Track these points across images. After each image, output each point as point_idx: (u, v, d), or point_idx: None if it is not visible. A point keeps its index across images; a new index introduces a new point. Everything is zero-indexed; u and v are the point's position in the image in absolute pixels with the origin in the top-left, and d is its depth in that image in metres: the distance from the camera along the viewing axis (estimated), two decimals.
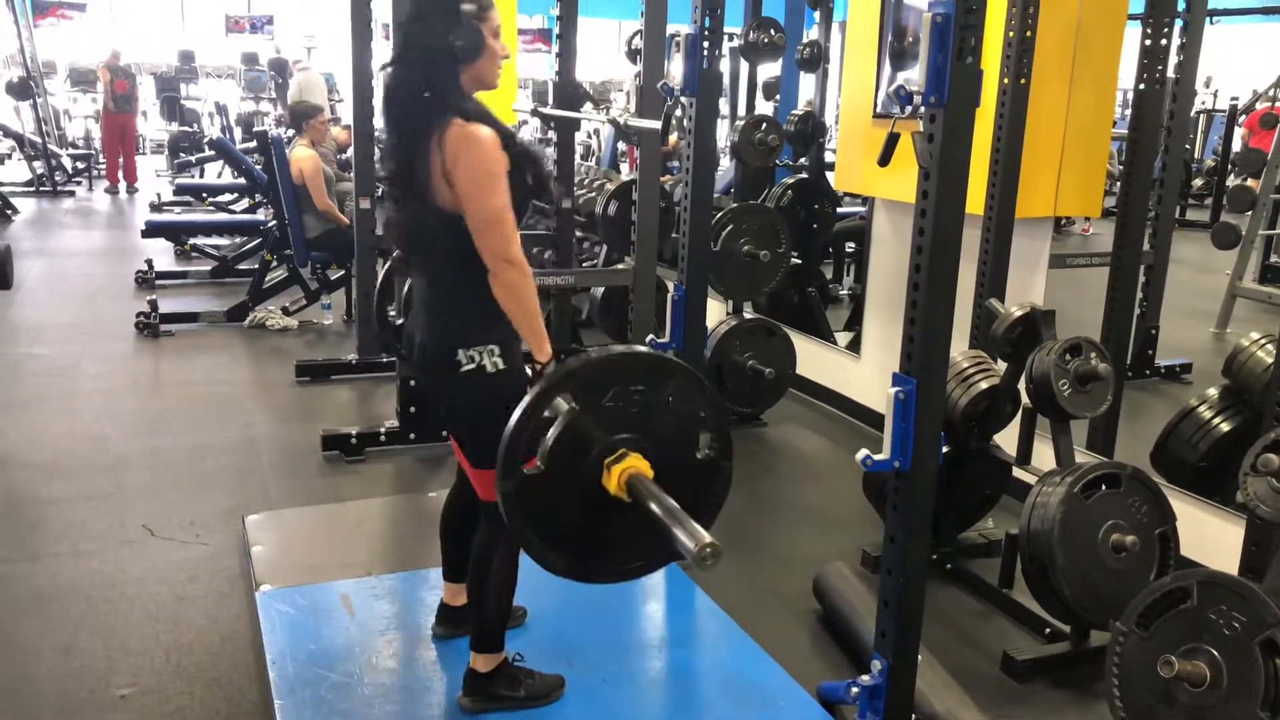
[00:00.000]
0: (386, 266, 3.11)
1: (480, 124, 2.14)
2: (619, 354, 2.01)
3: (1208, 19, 5.01)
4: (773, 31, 5.17)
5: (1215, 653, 2.05)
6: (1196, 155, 11.26)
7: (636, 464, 1.92)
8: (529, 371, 2.26)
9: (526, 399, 1.95)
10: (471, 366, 2.20)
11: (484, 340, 2.21)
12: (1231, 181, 8.37)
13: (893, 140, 2.20)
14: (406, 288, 2.73)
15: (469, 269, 2.18)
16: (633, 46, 5.54)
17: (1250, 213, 6.25)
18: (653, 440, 1.98)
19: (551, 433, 1.94)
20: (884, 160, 2.22)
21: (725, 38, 3.37)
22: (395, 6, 2.12)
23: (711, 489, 2.10)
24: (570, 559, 2.04)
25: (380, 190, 2.30)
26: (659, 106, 4.00)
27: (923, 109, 2.06)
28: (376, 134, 6.36)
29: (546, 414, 1.97)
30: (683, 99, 3.15)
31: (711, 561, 1.72)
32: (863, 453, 2.19)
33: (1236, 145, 10.42)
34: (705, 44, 3.02)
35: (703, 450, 2.10)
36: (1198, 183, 10.83)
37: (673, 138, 6.12)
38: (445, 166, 2.11)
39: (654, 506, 1.84)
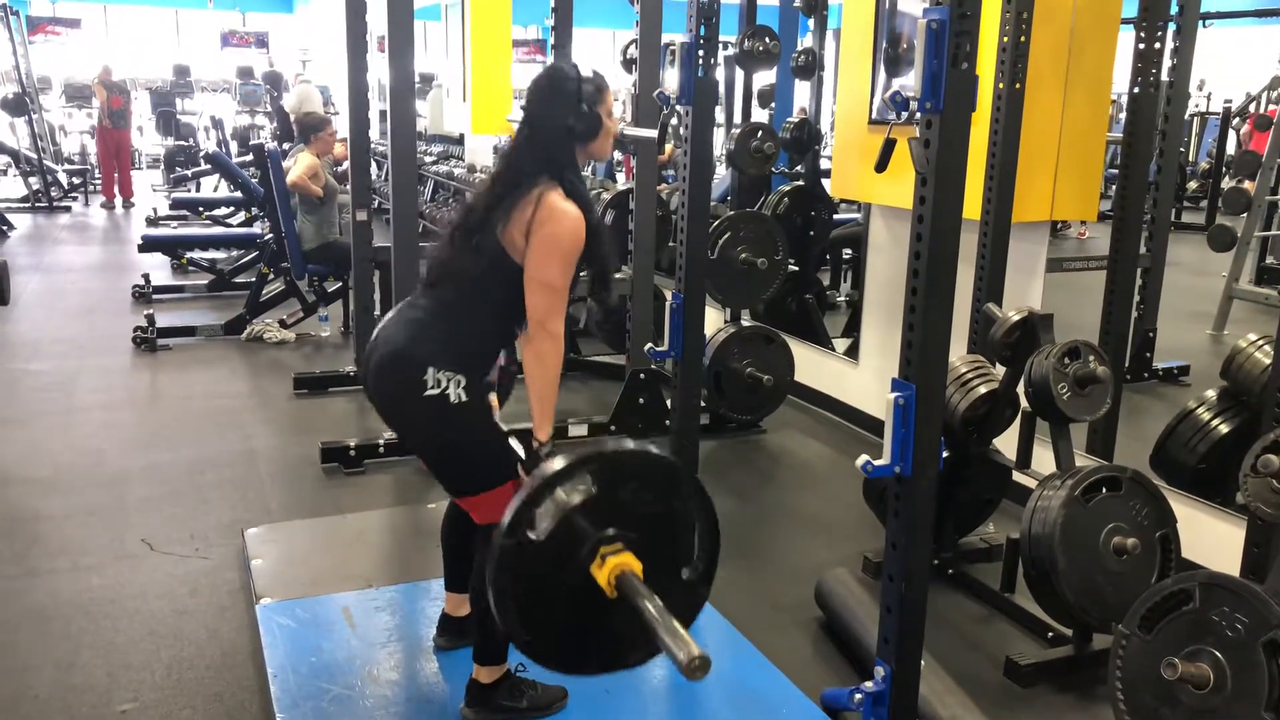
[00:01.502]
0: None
1: (576, 204, 2.25)
2: (644, 454, 2.00)
3: (1200, 22, 5.03)
4: (768, 40, 5.18)
5: (1218, 655, 2.05)
6: (1191, 158, 11.29)
7: (629, 561, 1.89)
8: (521, 450, 2.30)
9: (550, 469, 1.90)
10: (435, 391, 2.20)
11: (456, 368, 2.22)
12: (1227, 184, 8.39)
13: (889, 146, 2.20)
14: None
15: (490, 307, 2.28)
16: (628, 56, 5.55)
17: (1246, 214, 6.27)
18: (648, 546, 1.95)
19: (560, 507, 1.90)
20: (881, 166, 2.23)
21: (720, 46, 3.38)
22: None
23: (685, 611, 2.02)
24: (535, 638, 1.96)
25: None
26: (655, 116, 4.01)
27: (919, 115, 2.07)
28: (373, 146, 6.39)
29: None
30: (678, 108, 3.15)
31: (700, 674, 1.70)
32: (863, 459, 2.19)
33: (1231, 148, 10.45)
34: (700, 53, 3.03)
35: (687, 571, 2.04)
36: (1192, 185, 10.86)
37: (669, 147, 6.13)
38: (531, 222, 2.21)
39: (645, 606, 1.82)
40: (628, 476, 1.94)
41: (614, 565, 1.87)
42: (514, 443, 2.35)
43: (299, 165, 5.99)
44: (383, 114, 9.22)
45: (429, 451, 2.38)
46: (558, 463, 1.89)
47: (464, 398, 2.22)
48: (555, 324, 2.24)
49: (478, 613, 2.40)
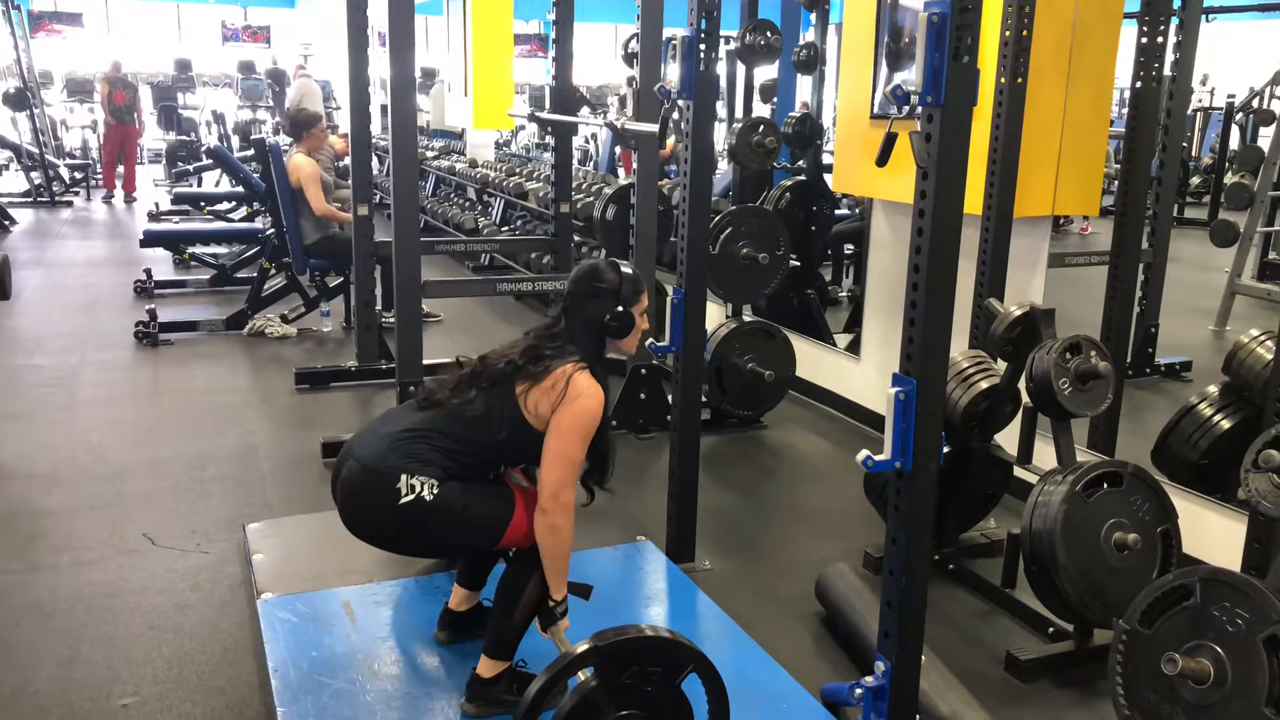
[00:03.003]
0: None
1: (599, 389, 2.38)
2: (649, 638, 2.06)
3: (1203, 17, 5.01)
4: (769, 34, 5.17)
5: (1219, 650, 2.04)
6: (1194, 153, 11.26)
7: None
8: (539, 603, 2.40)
9: (552, 669, 1.98)
10: (410, 497, 2.29)
11: (428, 474, 2.31)
12: (1229, 179, 8.37)
13: (890, 140, 2.20)
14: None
15: (479, 449, 2.38)
16: (629, 50, 5.54)
17: (1249, 210, 6.25)
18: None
19: (565, 702, 1.98)
20: (882, 160, 2.22)
21: (722, 41, 3.37)
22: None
23: None
24: None
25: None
26: (656, 110, 4.00)
27: (920, 109, 2.06)
28: (374, 141, 6.39)
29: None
30: (680, 102, 3.14)
31: None
32: (864, 454, 2.19)
33: (1234, 143, 10.43)
34: (702, 47, 3.02)
35: None
36: (1195, 180, 10.83)
37: (670, 141, 6.12)
38: (560, 396, 2.33)
39: None
40: (631, 660, 2.01)
41: None
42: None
43: (304, 172, 5.96)
44: (384, 109, 9.23)
45: (431, 551, 2.55)
46: (553, 668, 1.97)
47: (435, 493, 2.31)
48: (568, 495, 2.34)
49: (501, 607, 2.43)
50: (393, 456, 2.32)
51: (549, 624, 2.40)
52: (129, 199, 12.04)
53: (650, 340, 3.27)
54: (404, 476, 2.28)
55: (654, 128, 3.57)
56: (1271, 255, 7.24)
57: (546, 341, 2.44)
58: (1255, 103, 9.81)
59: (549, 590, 2.38)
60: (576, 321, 2.46)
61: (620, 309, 2.45)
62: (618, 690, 2.00)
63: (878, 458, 2.17)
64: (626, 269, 2.49)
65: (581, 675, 2.02)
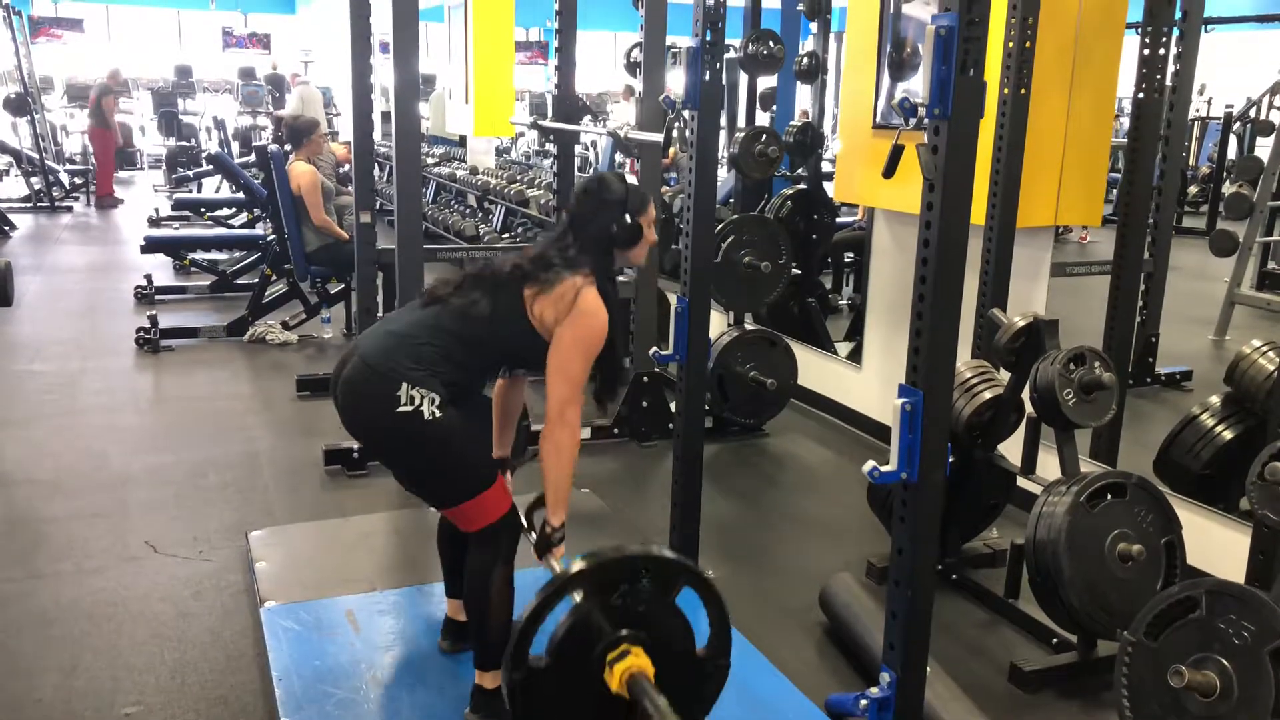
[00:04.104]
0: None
1: (604, 310, 2.34)
2: (631, 555, 2.06)
3: (1202, 27, 5.03)
4: (772, 43, 5.18)
5: (1225, 662, 2.05)
6: (1191, 162, 11.28)
7: (638, 661, 1.95)
8: (533, 530, 2.39)
9: (541, 594, 1.95)
10: (409, 408, 2.23)
11: (430, 386, 2.25)
12: (1227, 189, 8.39)
13: (897, 152, 2.20)
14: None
15: (481, 351, 2.36)
16: (631, 59, 5.55)
17: (1248, 220, 6.27)
18: (655, 637, 2.01)
19: (558, 627, 1.97)
20: (889, 172, 2.23)
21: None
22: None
23: (706, 687, 2.13)
24: None
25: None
26: (659, 119, 4.01)
27: (927, 121, 2.07)
28: (377, 148, 6.39)
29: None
30: (684, 112, 3.15)
31: None
32: (870, 464, 2.19)
33: (1232, 152, 10.45)
34: (707, 57, 3.02)
35: (702, 648, 2.11)
36: (1193, 190, 10.85)
37: (672, 150, 6.13)
38: (560, 310, 2.31)
39: (651, 713, 1.87)
40: (620, 579, 2.00)
41: (622, 670, 1.94)
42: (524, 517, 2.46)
43: (304, 180, 5.97)
44: (385, 115, 9.24)
45: (404, 468, 2.44)
46: (542, 592, 1.95)
47: (437, 415, 2.25)
48: (573, 414, 2.31)
49: (475, 617, 2.41)
50: (398, 355, 2.27)
51: (544, 550, 2.37)
52: (101, 202, 11.99)
53: (654, 349, 3.28)
54: (405, 385, 2.23)
55: (657, 137, 3.58)
56: (1270, 265, 7.26)
57: (555, 251, 2.41)
58: (1253, 113, 9.84)
59: (548, 515, 2.35)
60: (584, 233, 2.42)
61: (628, 219, 2.42)
62: (611, 610, 1.97)
63: (884, 468, 2.17)
64: (633, 180, 2.47)
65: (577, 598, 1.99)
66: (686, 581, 2.04)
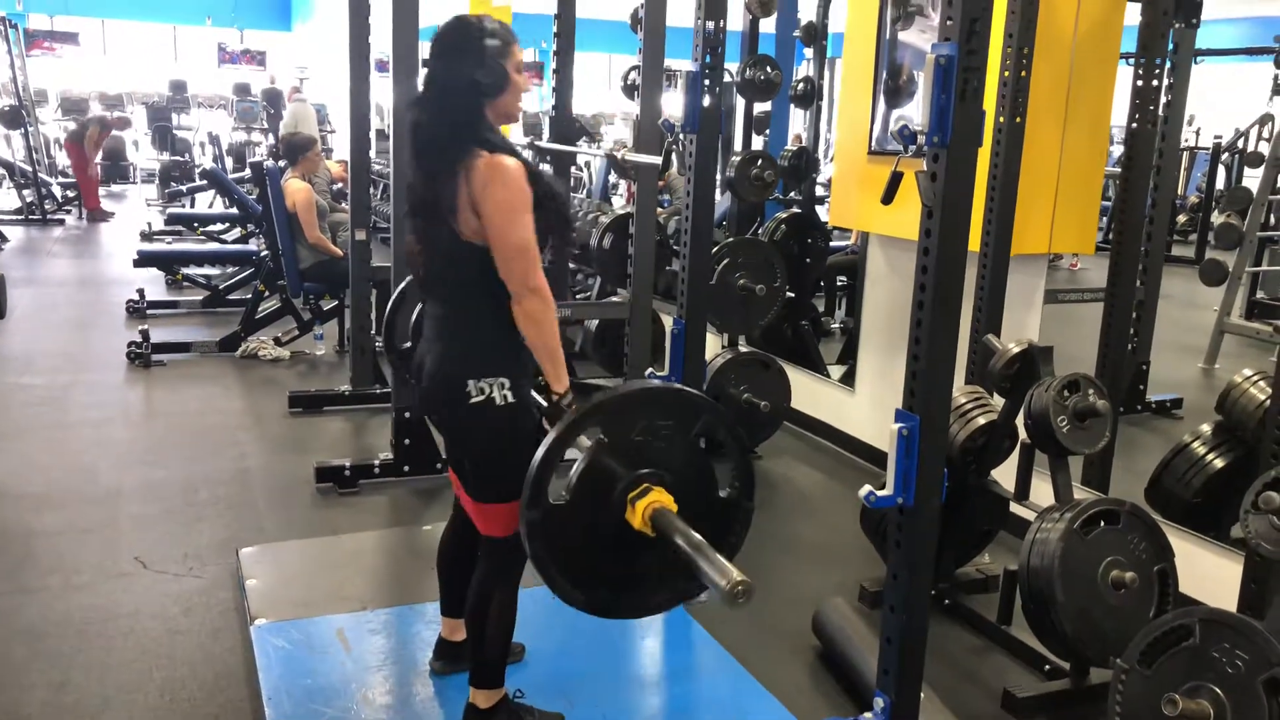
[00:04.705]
0: (399, 288, 3.12)
1: (507, 156, 2.17)
2: (649, 389, 2.03)
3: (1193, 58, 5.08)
4: (769, 69, 5.22)
5: (1219, 691, 2.05)
6: (1180, 192, 11.38)
7: (661, 498, 1.91)
8: (544, 402, 2.26)
9: (558, 428, 1.93)
10: (480, 398, 2.20)
11: (495, 372, 2.21)
12: (1216, 218, 8.46)
13: (896, 179, 2.22)
14: (416, 312, 2.73)
15: (488, 300, 2.21)
16: (629, 82, 5.58)
17: (1237, 249, 6.32)
18: (677, 476, 1.98)
19: (578, 465, 1.94)
20: (888, 199, 2.25)
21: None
22: (431, 45, 2.16)
23: (731, 529, 2.10)
24: (589, 594, 2.01)
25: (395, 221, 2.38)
26: (657, 141, 4.02)
27: (926, 148, 2.09)
28: (374, 166, 6.40)
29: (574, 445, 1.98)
30: (682, 135, 3.17)
31: (744, 599, 1.70)
32: (866, 489, 2.20)
33: (1220, 182, 10.55)
34: (706, 81, 3.05)
35: (725, 489, 2.09)
36: (1182, 219, 10.94)
37: (670, 171, 6.16)
38: (473, 197, 2.14)
39: (680, 542, 1.83)
40: (634, 418, 1.95)
41: (645, 506, 1.89)
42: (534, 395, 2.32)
43: (299, 197, 5.98)
44: (379, 133, 9.25)
45: (473, 453, 2.33)
46: (559, 425, 1.91)
47: (510, 399, 2.21)
48: (536, 279, 2.16)
49: (474, 634, 2.39)
50: (451, 353, 2.24)
51: (555, 419, 2.17)
52: (100, 217, 11.99)
53: (650, 370, 3.28)
54: (471, 382, 2.19)
55: (655, 159, 3.59)
56: (1259, 294, 7.31)
57: (431, 136, 2.20)
58: (1241, 143, 9.95)
59: (550, 384, 2.20)
60: (445, 90, 2.19)
61: (490, 62, 2.17)
62: (632, 447, 1.92)
63: (880, 493, 2.18)
64: (491, 23, 2.23)
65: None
66: (707, 421, 1.99)
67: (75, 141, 12.08)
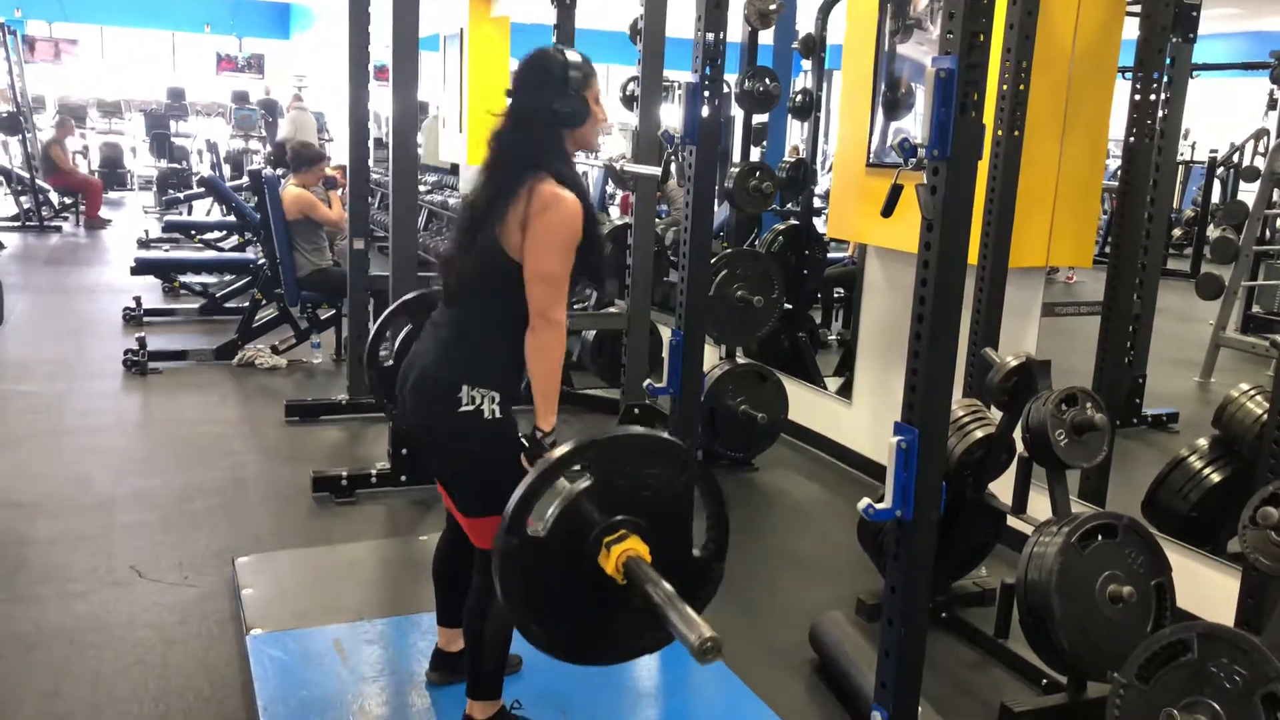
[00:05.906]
0: (391, 307, 3.10)
1: (571, 191, 2.20)
2: (642, 436, 2.02)
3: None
4: (768, 80, 5.23)
5: (1216, 706, 2.04)
6: (1175, 206, 11.42)
7: (635, 547, 1.89)
8: (524, 440, 2.26)
9: (550, 458, 1.92)
10: (470, 407, 2.21)
11: (489, 385, 2.22)
12: (1212, 232, 8.49)
13: (896, 192, 2.23)
14: (404, 333, 2.72)
15: (507, 320, 2.23)
16: (628, 93, 5.59)
17: (1233, 264, 6.34)
18: (654, 528, 1.96)
19: (560, 499, 1.92)
20: (888, 212, 2.25)
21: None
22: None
23: (701, 589, 2.07)
24: (553, 633, 1.97)
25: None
26: (655, 152, 4.04)
27: (926, 161, 2.09)
28: (372, 176, 6.40)
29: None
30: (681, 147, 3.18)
31: (712, 656, 1.69)
32: (864, 502, 2.20)
33: (1216, 196, 10.59)
34: (706, 93, 3.06)
35: (699, 549, 2.07)
36: (1176, 233, 10.98)
37: (670, 182, 6.16)
38: (526, 214, 2.17)
39: (651, 592, 1.82)
40: (625, 461, 1.94)
41: (619, 552, 1.88)
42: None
43: (302, 199, 5.98)
44: (378, 142, 9.26)
45: (457, 466, 2.34)
46: (554, 453, 1.90)
47: (498, 414, 2.22)
48: (557, 313, 2.19)
49: (471, 645, 2.38)
50: (454, 357, 2.25)
51: (536, 458, 2.20)
52: (97, 224, 11.99)
53: (648, 381, 3.28)
54: (465, 387, 2.19)
55: (655, 170, 3.61)
56: (1255, 308, 7.33)
57: (507, 155, 2.26)
58: (1236, 158, 9.99)
59: (537, 421, 2.22)
60: (526, 119, 2.25)
61: (571, 93, 2.23)
62: (614, 491, 1.91)
63: (879, 506, 2.18)
64: (574, 55, 2.28)
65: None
66: (691, 475, 1.99)
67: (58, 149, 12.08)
